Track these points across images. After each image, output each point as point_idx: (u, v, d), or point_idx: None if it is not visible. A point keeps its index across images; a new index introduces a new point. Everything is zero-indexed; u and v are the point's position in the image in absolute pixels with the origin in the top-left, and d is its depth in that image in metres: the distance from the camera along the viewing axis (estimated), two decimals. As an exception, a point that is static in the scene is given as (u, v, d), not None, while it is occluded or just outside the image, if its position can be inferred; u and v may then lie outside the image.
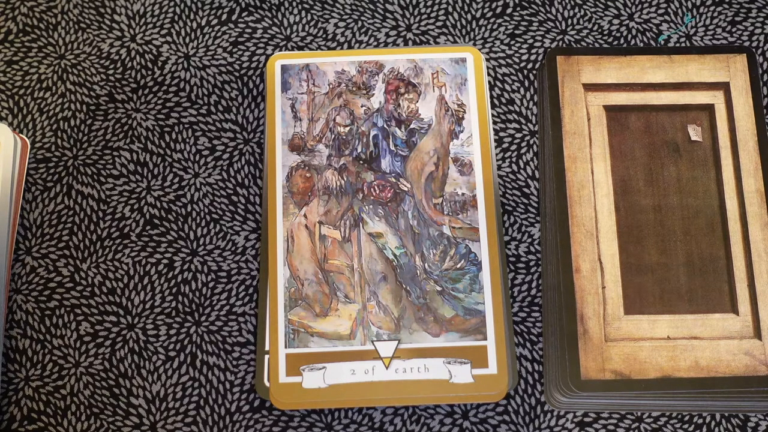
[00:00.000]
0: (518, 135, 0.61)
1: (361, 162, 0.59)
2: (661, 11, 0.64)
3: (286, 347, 0.55)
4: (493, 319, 0.55)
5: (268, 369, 0.55)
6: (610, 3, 0.64)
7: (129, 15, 0.63)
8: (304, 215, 0.58)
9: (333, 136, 0.59)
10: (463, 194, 0.58)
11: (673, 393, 0.54)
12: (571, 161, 0.58)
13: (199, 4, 0.63)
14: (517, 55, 0.63)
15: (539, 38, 0.63)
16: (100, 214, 0.59)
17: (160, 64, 0.62)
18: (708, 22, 0.63)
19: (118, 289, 0.58)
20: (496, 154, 0.61)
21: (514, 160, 0.61)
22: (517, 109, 0.62)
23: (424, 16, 0.63)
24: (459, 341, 0.55)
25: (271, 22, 0.63)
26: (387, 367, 0.54)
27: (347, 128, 0.59)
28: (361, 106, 0.60)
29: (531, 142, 0.61)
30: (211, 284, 0.58)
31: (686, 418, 0.56)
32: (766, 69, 0.62)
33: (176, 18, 0.63)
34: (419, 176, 0.59)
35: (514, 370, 0.55)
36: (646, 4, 0.64)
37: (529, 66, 0.62)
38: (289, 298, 0.56)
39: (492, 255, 0.57)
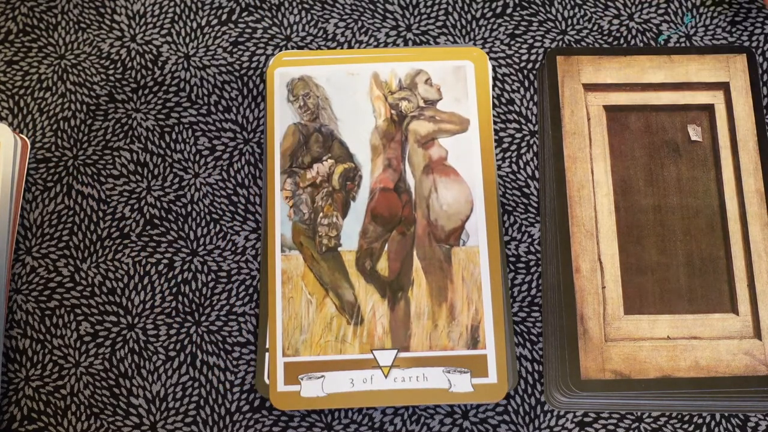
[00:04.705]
0: (518, 135, 0.61)
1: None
2: (661, 11, 0.64)
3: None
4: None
5: (268, 366, 0.55)
6: (610, 3, 0.64)
7: (129, 15, 0.63)
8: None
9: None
10: None
11: (673, 393, 0.54)
12: (571, 161, 0.58)
13: (199, 4, 0.63)
14: (517, 55, 0.63)
15: (539, 38, 0.63)
16: (100, 214, 0.59)
17: (160, 64, 0.62)
18: (708, 22, 0.63)
19: (118, 289, 0.58)
20: (496, 154, 0.61)
21: (514, 160, 0.61)
22: (517, 109, 0.62)
23: (424, 16, 0.63)
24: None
25: (271, 22, 0.63)
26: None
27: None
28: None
29: (531, 142, 0.61)
30: (211, 284, 0.58)
31: (686, 418, 0.56)
32: (766, 69, 0.62)
33: (176, 18, 0.63)
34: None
35: (514, 371, 0.55)
36: (646, 4, 0.64)
37: (529, 66, 0.63)
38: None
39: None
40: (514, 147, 0.61)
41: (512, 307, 0.58)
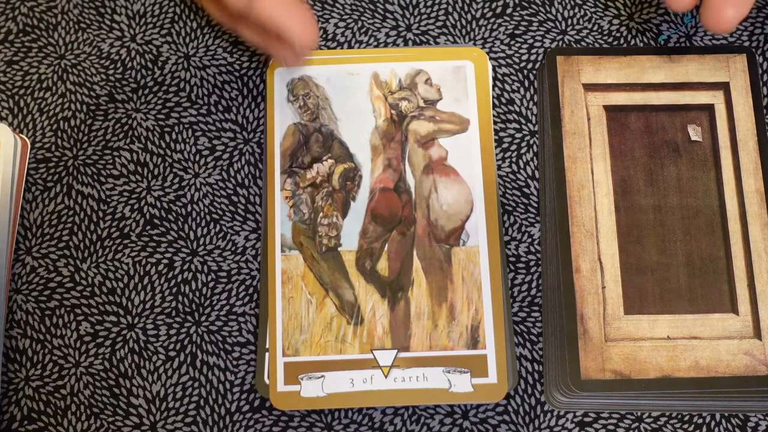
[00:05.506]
0: (518, 135, 0.61)
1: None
2: (661, 11, 0.64)
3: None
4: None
5: (268, 366, 0.55)
6: (610, 3, 0.64)
7: (129, 15, 0.63)
8: (304, 215, 0.58)
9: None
10: None
11: (673, 393, 0.54)
12: (571, 161, 0.58)
13: (200, 4, 0.63)
14: (517, 55, 0.63)
15: (539, 38, 0.63)
16: (100, 214, 0.59)
17: (160, 64, 0.62)
18: (708, 22, 0.63)
19: (118, 289, 0.58)
20: (496, 154, 0.61)
21: (514, 160, 0.61)
22: (517, 109, 0.62)
23: (424, 16, 0.63)
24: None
25: (271, 22, 0.63)
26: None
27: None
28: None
29: (531, 142, 0.61)
30: (211, 284, 0.58)
31: (686, 418, 0.56)
32: (766, 69, 0.62)
33: (176, 18, 0.63)
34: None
35: (514, 371, 0.55)
36: (646, 4, 0.64)
37: (529, 66, 0.63)
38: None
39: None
40: (514, 147, 0.61)
41: (512, 307, 0.58)
